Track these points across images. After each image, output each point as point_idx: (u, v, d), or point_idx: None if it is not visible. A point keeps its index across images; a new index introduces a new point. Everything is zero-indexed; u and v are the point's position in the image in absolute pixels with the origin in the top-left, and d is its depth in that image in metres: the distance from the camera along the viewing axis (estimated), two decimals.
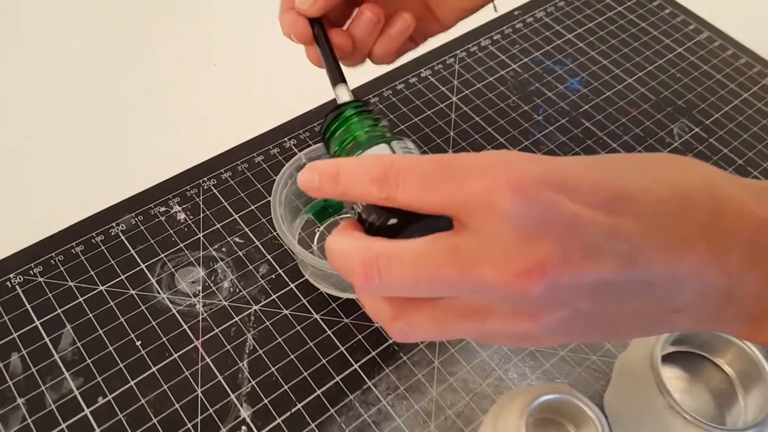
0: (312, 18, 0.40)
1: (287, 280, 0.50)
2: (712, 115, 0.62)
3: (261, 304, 0.48)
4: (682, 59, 0.67)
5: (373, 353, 0.47)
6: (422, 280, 0.25)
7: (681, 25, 0.70)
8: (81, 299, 0.48)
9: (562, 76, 0.64)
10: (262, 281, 0.49)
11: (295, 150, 0.57)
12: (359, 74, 0.61)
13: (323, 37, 0.41)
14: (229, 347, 0.46)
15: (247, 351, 0.46)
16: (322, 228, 0.52)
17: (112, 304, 0.48)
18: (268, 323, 0.47)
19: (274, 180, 0.53)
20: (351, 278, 0.26)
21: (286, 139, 0.58)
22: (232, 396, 0.44)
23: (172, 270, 0.50)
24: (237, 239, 0.51)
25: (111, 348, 0.46)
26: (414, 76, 0.63)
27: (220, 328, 0.47)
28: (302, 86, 0.60)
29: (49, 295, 0.48)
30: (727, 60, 0.67)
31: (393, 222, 0.29)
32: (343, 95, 0.39)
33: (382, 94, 0.61)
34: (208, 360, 0.45)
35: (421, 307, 0.26)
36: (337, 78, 0.39)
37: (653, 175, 0.26)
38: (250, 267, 0.50)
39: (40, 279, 0.49)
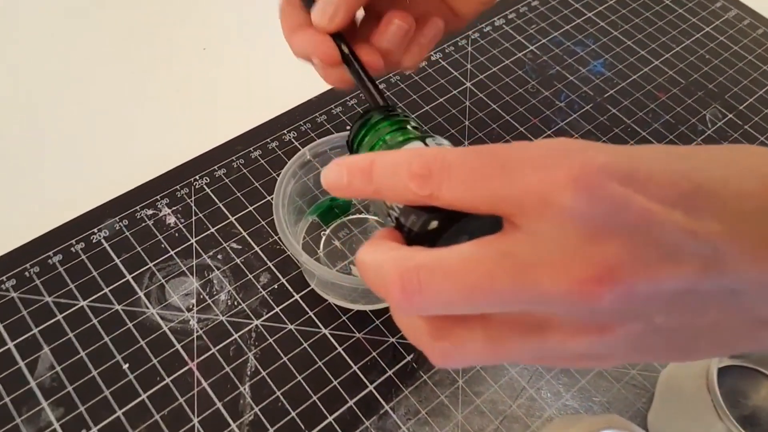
0: (333, 34, 0.35)
1: (291, 290, 0.44)
2: (746, 99, 0.57)
3: (263, 319, 0.43)
4: (711, 39, 0.62)
5: (390, 372, 0.42)
6: (471, 293, 0.21)
7: (708, 2, 0.65)
8: (60, 316, 0.43)
9: (583, 58, 0.59)
10: (264, 292, 0.44)
11: (296, 143, 0.51)
12: None
13: (354, 56, 0.35)
14: (228, 369, 0.41)
15: (249, 373, 0.41)
16: (328, 231, 0.47)
17: (95, 321, 0.43)
18: (271, 340, 0.42)
19: (274, 177, 0.48)
20: (386, 294, 0.23)
21: (285, 131, 0.52)
22: (233, 425, 0.39)
23: (162, 281, 0.44)
24: (234, 245, 0.46)
25: (95, 372, 0.40)
26: (423, 59, 0.57)
27: (217, 347, 0.42)
28: (302, 73, 0.55)
29: (24, 312, 0.42)
30: (759, 40, 0.62)
31: (435, 225, 0.25)
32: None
33: (390, 80, 0.56)
34: (204, 384, 0.40)
35: (470, 325, 0.23)
36: (380, 103, 0.34)
37: (737, 167, 0.23)
38: (250, 276, 0.45)
39: (13, 294, 0.43)
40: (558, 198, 0.21)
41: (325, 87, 0.54)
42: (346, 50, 0.35)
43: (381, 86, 0.55)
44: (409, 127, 0.31)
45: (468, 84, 0.56)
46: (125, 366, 0.41)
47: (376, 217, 0.48)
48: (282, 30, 0.36)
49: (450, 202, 0.23)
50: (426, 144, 0.29)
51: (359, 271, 0.25)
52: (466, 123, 0.54)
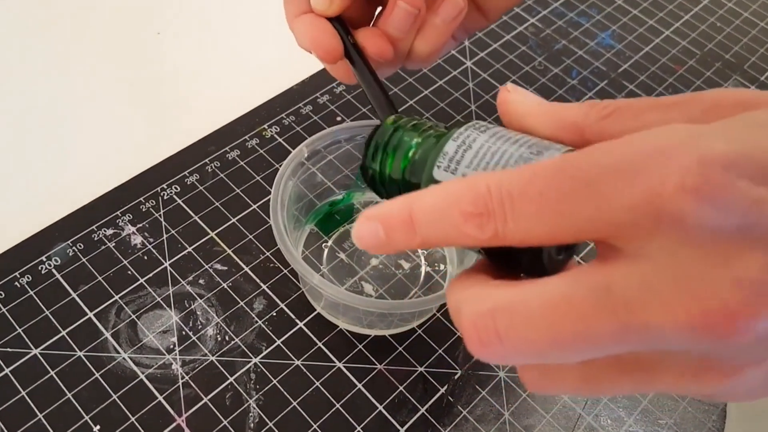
0: (334, 20, 0.31)
1: (293, 317, 0.37)
2: (766, 69, 0.52)
3: (262, 355, 0.35)
4: (719, 5, 0.57)
5: (422, 410, 0.35)
6: (561, 343, 0.18)
7: None
8: (6, 370, 0.34)
9: (590, 30, 0.53)
10: (260, 322, 0.36)
11: (279, 140, 0.44)
12: None
13: (356, 47, 0.31)
14: (225, 422, 0.33)
15: (252, 425, 0.33)
16: (330, 242, 0.40)
17: (52, 373, 0.34)
18: (275, 381, 0.35)
19: (258, 181, 0.41)
20: (464, 339, 0.19)
21: (265, 126, 0.44)
22: None
23: (133, 317, 0.36)
24: (218, 266, 0.38)
25: None
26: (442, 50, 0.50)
27: (209, 396, 0.34)
28: (280, 56, 0.47)
29: None
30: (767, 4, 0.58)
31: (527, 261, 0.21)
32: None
33: None
34: None
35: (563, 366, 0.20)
36: (386, 108, 0.30)
37: None
38: (241, 303, 0.37)
39: None
40: (674, 209, 0.16)
41: (308, 73, 0.47)
42: (347, 41, 0.31)
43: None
44: (428, 126, 0.26)
45: (468, 63, 0.49)
46: (96, 429, 0.33)
47: None
48: (285, 17, 0.32)
49: (522, 240, 0.18)
50: (464, 137, 0.22)
51: (448, 306, 0.21)
52: (473, 107, 0.47)
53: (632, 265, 0.17)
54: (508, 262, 0.21)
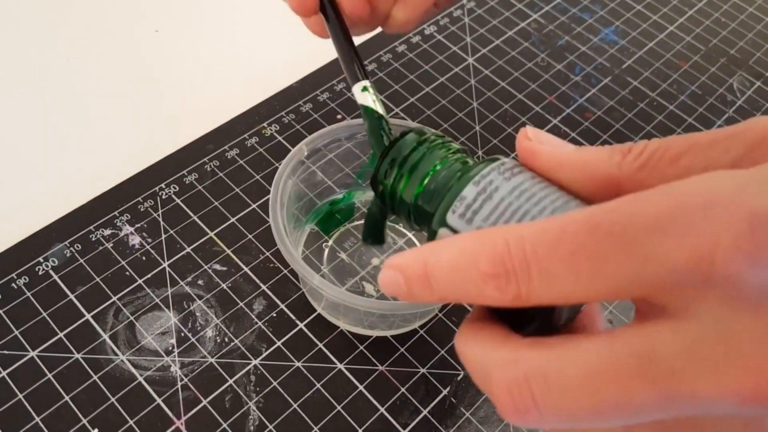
0: None
1: (294, 318, 0.36)
2: None
3: (262, 357, 0.35)
4: (724, 1, 0.56)
5: (425, 411, 0.34)
6: (600, 411, 0.17)
7: None
8: (4, 373, 0.33)
9: (593, 25, 0.52)
10: (260, 323, 0.36)
11: (279, 138, 0.43)
12: None
13: (331, 3, 0.31)
14: (225, 425, 0.33)
15: (252, 428, 0.33)
16: (331, 242, 0.39)
17: (49, 376, 0.34)
18: (275, 383, 0.34)
19: (258, 180, 0.40)
20: (496, 405, 0.18)
21: (265, 124, 0.44)
22: None
23: (131, 318, 0.36)
24: (217, 266, 0.38)
25: None
26: (416, 34, 0.50)
27: (209, 398, 0.33)
28: (279, 54, 0.47)
29: None
30: None
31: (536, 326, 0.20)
32: (366, 99, 0.29)
33: (381, 59, 0.48)
34: None
35: (569, 360, 0.18)
36: (357, 73, 0.30)
37: None
38: (241, 304, 0.36)
39: None
40: (725, 272, 0.15)
41: (308, 70, 0.46)
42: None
43: (369, 67, 0.47)
44: (451, 151, 0.25)
45: (470, 60, 0.49)
46: (94, 431, 0.32)
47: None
48: None
49: (549, 301, 0.17)
50: (485, 179, 0.21)
51: (462, 361, 0.20)
52: (475, 105, 0.46)
53: (677, 328, 0.16)
54: (517, 317, 0.20)
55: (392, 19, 0.33)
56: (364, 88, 0.29)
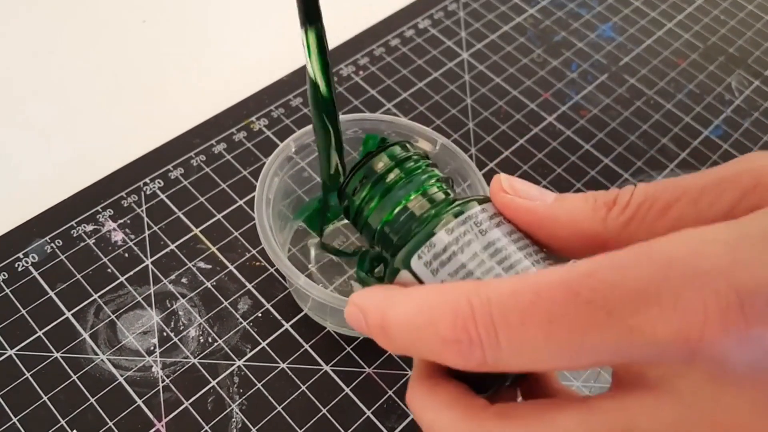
0: None
1: (279, 318, 0.35)
2: None
3: (246, 358, 0.34)
4: None
5: (412, 416, 0.33)
6: None
7: None
8: None
9: (590, 21, 0.52)
10: (245, 323, 0.35)
11: (268, 133, 0.42)
12: (339, 30, 0.47)
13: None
14: (207, 427, 0.32)
15: (235, 430, 0.32)
16: (319, 240, 0.38)
17: (27, 375, 0.33)
18: (259, 385, 0.33)
19: (245, 175, 0.39)
20: None
21: (253, 118, 0.43)
22: None
23: (112, 317, 0.35)
24: (202, 264, 0.37)
25: None
26: (410, 27, 0.49)
27: (191, 400, 0.33)
28: (269, 47, 0.46)
29: None
30: None
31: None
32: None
33: (373, 53, 0.47)
34: None
35: (544, 427, 0.17)
36: (311, 11, 0.26)
37: None
38: (225, 303, 0.36)
39: None
40: (712, 349, 0.14)
41: (298, 64, 0.45)
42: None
43: (362, 61, 0.46)
44: (435, 176, 0.23)
45: (465, 55, 0.48)
46: None
47: None
48: None
49: (520, 368, 0.16)
50: (458, 236, 0.19)
51: (412, 413, 0.19)
52: (468, 101, 0.45)
53: (658, 403, 0.15)
54: (480, 377, 0.19)
55: None
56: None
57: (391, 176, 0.22)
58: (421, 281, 0.20)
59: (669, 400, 0.15)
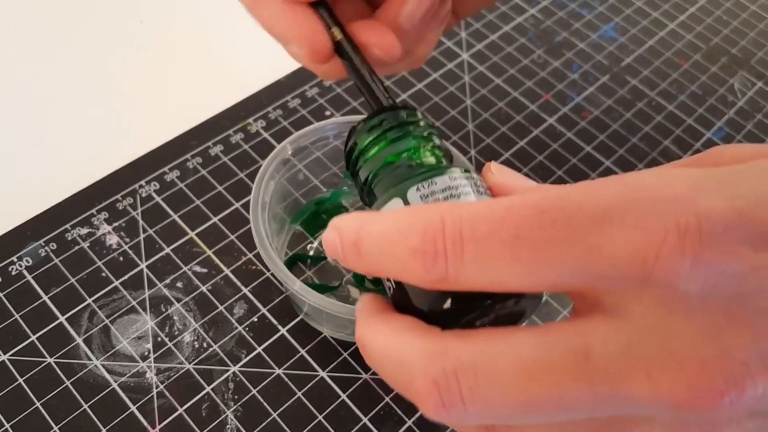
0: (316, 4, 0.25)
1: (275, 323, 0.35)
2: None
3: (242, 363, 0.34)
4: None
5: (409, 422, 0.33)
6: (531, 407, 0.16)
7: None
8: None
9: (592, 22, 0.51)
10: (240, 328, 0.35)
11: (265, 135, 0.42)
12: None
13: (349, 39, 0.25)
14: None
15: None
16: (316, 243, 0.38)
17: (20, 380, 0.32)
18: (254, 391, 0.33)
19: (242, 178, 0.39)
20: (415, 400, 0.17)
21: (251, 120, 0.42)
22: None
23: (107, 321, 0.34)
24: (197, 268, 0.36)
25: None
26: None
27: (185, 406, 0.32)
28: (267, 47, 0.45)
29: None
30: None
31: (450, 306, 0.19)
32: None
33: None
34: None
35: (501, 353, 0.17)
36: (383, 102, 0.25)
37: None
38: (221, 308, 0.35)
39: None
40: (666, 272, 0.15)
41: (296, 65, 0.44)
42: (337, 33, 0.25)
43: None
44: (435, 144, 0.24)
45: (464, 55, 0.47)
46: None
47: None
48: None
49: (480, 287, 0.16)
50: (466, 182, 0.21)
51: (364, 355, 0.19)
52: (468, 102, 0.45)
53: (613, 326, 0.16)
54: (425, 300, 0.19)
55: (414, 56, 0.29)
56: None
57: (413, 128, 0.24)
58: None
59: (622, 324, 0.16)
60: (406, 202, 0.21)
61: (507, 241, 0.16)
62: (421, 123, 0.24)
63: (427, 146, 0.23)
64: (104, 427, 0.31)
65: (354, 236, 0.18)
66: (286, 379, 0.33)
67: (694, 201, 0.15)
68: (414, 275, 0.17)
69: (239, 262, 0.37)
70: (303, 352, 0.34)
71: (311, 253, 0.37)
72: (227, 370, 0.33)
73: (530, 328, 0.17)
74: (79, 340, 0.34)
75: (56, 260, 0.36)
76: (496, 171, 0.21)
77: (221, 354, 0.34)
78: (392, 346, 0.18)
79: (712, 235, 0.15)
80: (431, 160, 0.23)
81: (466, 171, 0.22)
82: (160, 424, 0.32)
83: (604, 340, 0.16)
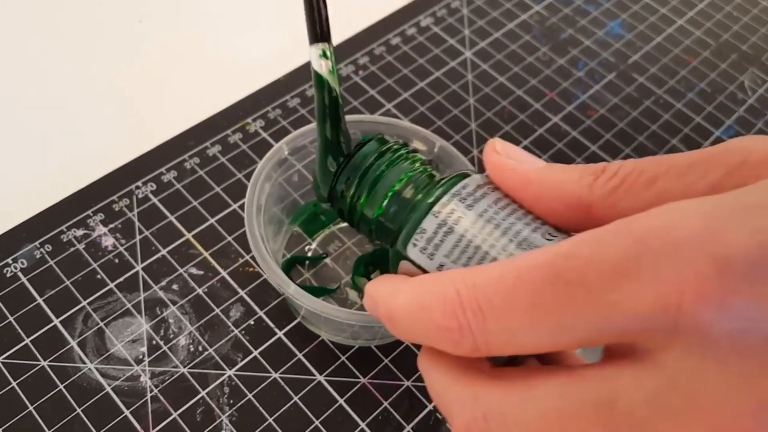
0: None
1: (272, 326, 0.34)
2: None
3: (237, 367, 0.33)
4: None
5: (408, 427, 0.32)
6: None
7: None
8: None
9: (598, 18, 0.50)
10: (236, 331, 0.34)
11: (264, 135, 0.41)
12: (338, 28, 0.46)
13: None
14: None
15: None
16: (314, 245, 0.37)
17: (14, 384, 0.32)
18: (250, 396, 0.32)
19: (240, 178, 0.38)
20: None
21: (249, 120, 0.42)
22: None
23: (101, 324, 0.34)
24: (193, 270, 0.36)
25: None
26: (411, 26, 0.48)
27: (180, 411, 0.32)
28: (266, 47, 0.45)
29: None
30: None
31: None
32: (317, 63, 0.25)
33: (373, 52, 0.46)
34: None
35: (524, 397, 0.17)
36: (317, 30, 0.25)
37: None
38: (217, 311, 0.35)
39: None
40: (693, 320, 0.14)
41: (296, 64, 0.44)
42: None
43: (361, 60, 0.45)
44: (418, 160, 0.23)
45: (468, 53, 0.47)
46: None
47: None
48: None
49: (512, 352, 0.17)
50: (446, 217, 0.20)
51: (426, 385, 0.20)
52: (471, 101, 0.44)
53: (641, 374, 0.15)
54: None
55: None
56: (323, 53, 0.25)
57: (373, 171, 0.23)
58: (421, 267, 0.20)
59: (651, 372, 0.15)
60: (413, 262, 0.20)
61: (525, 310, 0.15)
62: (394, 146, 0.23)
63: (402, 179, 0.22)
64: (97, 431, 0.31)
65: (385, 312, 0.19)
66: (282, 384, 0.33)
67: (710, 242, 0.14)
68: (448, 348, 0.17)
69: (236, 264, 0.36)
70: (300, 355, 0.34)
71: (310, 254, 0.37)
72: (223, 374, 0.33)
73: (558, 373, 0.16)
74: (73, 343, 0.33)
75: (51, 262, 0.35)
76: (502, 150, 0.20)
77: (217, 358, 0.33)
78: (438, 384, 0.19)
79: (734, 277, 0.14)
80: (410, 193, 0.22)
81: (451, 183, 0.20)
82: (154, 428, 0.31)
83: (631, 388, 0.15)
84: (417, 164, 0.23)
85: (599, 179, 0.18)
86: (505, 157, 0.20)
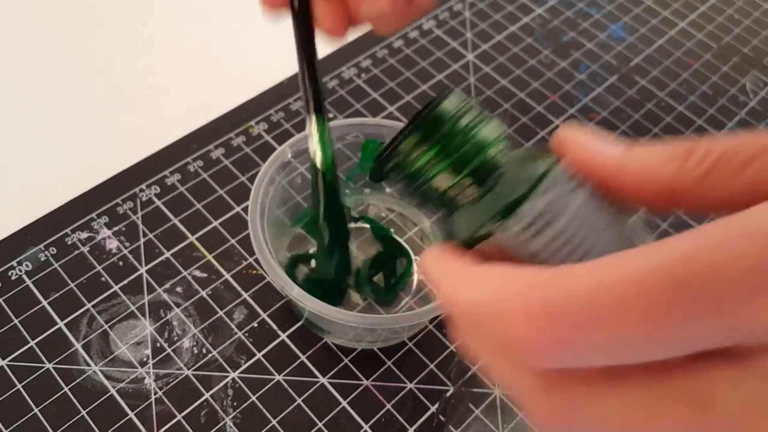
0: None
1: (276, 328, 0.35)
2: None
3: (241, 369, 0.33)
4: None
5: (411, 430, 0.32)
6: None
7: None
8: None
9: (600, 21, 0.50)
10: (240, 333, 0.34)
11: (267, 137, 0.41)
12: None
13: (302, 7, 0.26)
14: None
15: None
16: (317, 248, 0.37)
17: (19, 386, 0.32)
18: (254, 398, 0.33)
19: (244, 181, 0.38)
20: (520, 345, 0.15)
21: (252, 123, 0.42)
22: None
23: (106, 327, 0.34)
24: (197, 272, 0.36)
25: None
26: (414, 29, 0.48)
27: (184, 413, 0.32)
28: (269, 50, 0.45)
29: None
30: None
31: None
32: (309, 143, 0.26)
33: (376, 55, 0.46)
34: None
35: (609, 392, 0.15)
36: (309, 102, 0.27)
37: None
38: (221, 313, 0.35)
39: None
40: None
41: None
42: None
43: (364, 63, 0.45)
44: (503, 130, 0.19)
45: (470, 56, 0.47)
46: None
47: (372, 225, 0.38)
48: None
49: (600, 365, 0.15)
50: (551, 201, 0.17)
51: (457, 317, 0.17)
52: None
53: (741, 376, 0.14)
54: None
55: (374, 9, 0.26)
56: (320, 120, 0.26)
57: (461, 128, 0.19)
58: (505, 251, 0.17)
59: (753, 374, 0.14)
60: (496, 244, 0.18)
61: (640, 323, 0.14)
62: (474, 105, 0.19)
63: (493, 139, 0.19)
64: None
65: (446, 302, 0.17)
66: (285, 386, 0.33)
67: None
68: (527, 361, 0.15)
69: (239, 267, 0.36)
70: (303, 358, 0.34)
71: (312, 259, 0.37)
72: (226, 377, 0.33)
73: (649, 369, 0.15)
74: (78, 346, 0.33)
75: (56, 265, 0.36)
76: (578, 141, 0.18)
77: (220, 360, 0.33)
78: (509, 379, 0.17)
79: None
80: (509, 163, 0.19)
81: (549, 165, 0.18)
82: (158, 430, 0.31)
83: (729, 388, 0.14)
84: (503, 129, 0.19)
85: (688, 163, 0.17)
86: (582, 147, 0.18)
